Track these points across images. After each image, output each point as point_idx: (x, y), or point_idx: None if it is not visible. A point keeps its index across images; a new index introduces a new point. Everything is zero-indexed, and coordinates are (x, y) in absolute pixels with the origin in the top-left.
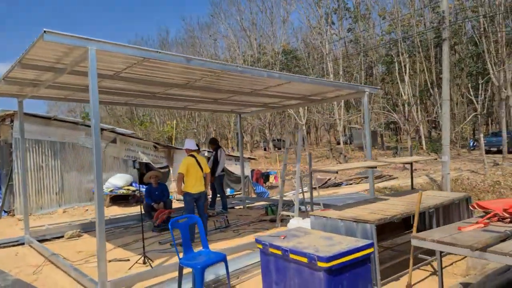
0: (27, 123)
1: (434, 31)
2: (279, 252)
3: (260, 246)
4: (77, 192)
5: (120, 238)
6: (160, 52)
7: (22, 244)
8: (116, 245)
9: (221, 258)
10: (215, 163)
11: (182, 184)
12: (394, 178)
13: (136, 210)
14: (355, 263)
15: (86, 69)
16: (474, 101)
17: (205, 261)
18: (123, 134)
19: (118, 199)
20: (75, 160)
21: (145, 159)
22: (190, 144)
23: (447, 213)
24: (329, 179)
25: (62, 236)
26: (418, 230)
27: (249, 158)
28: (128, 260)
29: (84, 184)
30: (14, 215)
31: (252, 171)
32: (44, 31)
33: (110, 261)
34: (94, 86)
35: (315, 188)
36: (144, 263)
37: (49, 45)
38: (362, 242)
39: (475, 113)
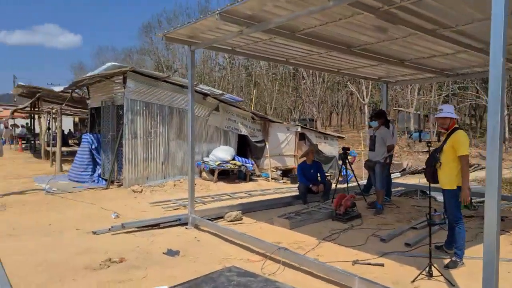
0: (136, 82)
1: None
2: None
3: None
4: (180, 164)
5: (305, 226)
6: None
7: (185, 224)
8: (319, 239)
9: None
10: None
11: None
12: (483, 168)
13: (245, 187)
14: None
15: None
16: None
17: None
18: (225, 102)
19: (220, 174)
20: (181, 128)
21: (243, 131)
22: (451, 109)
23: None
24: (407, 166)
25: (220, 218)
26: None
27: (338, 136)
28: (382, 265)
29: (187, 155)
30: (121, 185)
31: None
32: None
33: (354, 263)
34: None
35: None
36: (430, 275)
37: None
38: None
39: None
